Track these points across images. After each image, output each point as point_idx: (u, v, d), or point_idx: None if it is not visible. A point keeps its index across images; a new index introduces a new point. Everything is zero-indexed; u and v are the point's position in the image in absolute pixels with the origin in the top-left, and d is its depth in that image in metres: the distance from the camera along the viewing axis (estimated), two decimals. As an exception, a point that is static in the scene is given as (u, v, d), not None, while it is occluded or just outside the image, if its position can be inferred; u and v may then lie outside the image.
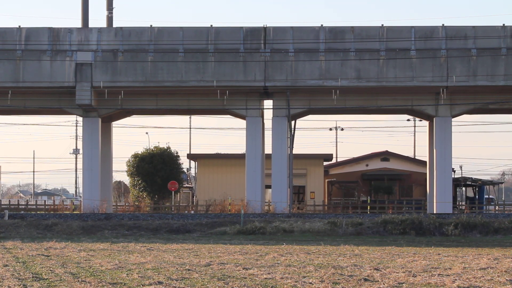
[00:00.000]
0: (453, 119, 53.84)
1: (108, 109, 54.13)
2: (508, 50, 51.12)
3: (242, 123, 55.83)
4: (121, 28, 52.76)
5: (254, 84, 52.07)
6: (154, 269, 20.42)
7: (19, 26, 52.46)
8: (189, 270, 20.21)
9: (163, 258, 23.76)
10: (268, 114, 55.82)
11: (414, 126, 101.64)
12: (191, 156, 77.67)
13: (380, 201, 63.53)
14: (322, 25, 52.04)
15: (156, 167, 61.70)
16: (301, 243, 31.34)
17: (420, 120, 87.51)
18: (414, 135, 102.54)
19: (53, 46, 52.28)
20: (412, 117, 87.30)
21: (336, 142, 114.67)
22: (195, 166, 73.50)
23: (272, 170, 52.75)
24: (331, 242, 31.98)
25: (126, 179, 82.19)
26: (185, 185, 73.30)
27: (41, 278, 18.29)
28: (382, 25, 51.71)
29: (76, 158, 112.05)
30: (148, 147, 65.24)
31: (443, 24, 51.51)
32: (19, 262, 22.26)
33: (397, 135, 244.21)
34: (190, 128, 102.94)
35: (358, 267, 21.30)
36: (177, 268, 20.55)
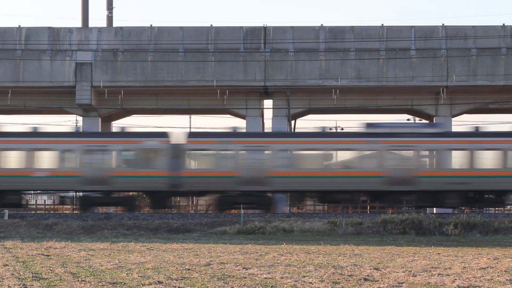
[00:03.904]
0: (453, 119, 53.90)
1: (108, 108, 54.14)
2: (508, 50, 51.16)
3: (242, 123, 55.87)
4: (121, 27, 52.77)
5: (254, 84, 52.09)
6: (154, 268, 20.41)
7: (19, 25, 52.50)
8: (189, 269, 20.20)
9: (163, 258, 23.74)
10: (268, 114, 55.86)
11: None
12: (191, 156, 77.60)
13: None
14: (322, 24, 52.07)
15: (156, 167, 61.59)
16: (301, 243, 31.31)
17: (420, 120, 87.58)
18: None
19: (53, 45, 52.30)
20: (412, 117, 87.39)
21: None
22: (195, 165, 73.43)
23: (272, 170, 52.67)
24: (331, 242, 31.95)
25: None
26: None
27: (41, 277, 18.28)
28: (382, 24, 51.74)
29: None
30: (148, 147, 65.15)
31: (443, 24, 51.54)
32: (19, 262, 22.25)
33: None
34: (190, 128, 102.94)
35: (358, 266, 21.28)
36: (177, 268, 20.54)
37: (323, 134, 44.85)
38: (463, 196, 44.02)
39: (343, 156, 44.91)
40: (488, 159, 44.77)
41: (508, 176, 43.55)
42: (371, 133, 43.65)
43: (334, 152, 44.47)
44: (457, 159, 44.43)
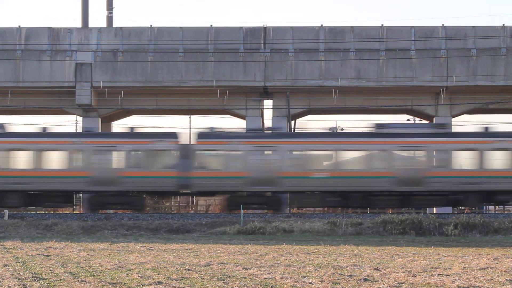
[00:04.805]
0: (453, 119, 53.88)
1: (108, 109, 54.14)
2: (508, 50, 51.17)
3: (242, 123, 55.87)
4: (121, 28, 52.77)
5: (254, 84, 52.08)
6: (154, 269, 20.41)
7: (19, 26, 52.50)
8: (189, 270, 20.20)
9: (163, 258, 23.74)
10: (268, 114, 55.86)
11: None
12: (191, 156, 77.44)
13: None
14: (322, 25, 52.07)
15: (156, 167, 61.53)
16: (301, 243, 31.31)
17: (420, 120, 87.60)
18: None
19: (53, 46, 52.30)
20: (412, 117, 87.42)
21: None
22: (195, 166, 73.33)
23: (273, 170, 52.65)
24: (331, 242, 31.95)
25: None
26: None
27: (41, 278, 18.28)
28: (382, 25, 51.74)
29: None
30: (148, 147, 65.08)
31: (443, 24, 51.53)
32: (19, 262, 22.25)
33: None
34: (190, 128, 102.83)
35: (358, 267, 21.29)
36: (177, 268, 20.54)
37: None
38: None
39: None
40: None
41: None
42: None
43: None
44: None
